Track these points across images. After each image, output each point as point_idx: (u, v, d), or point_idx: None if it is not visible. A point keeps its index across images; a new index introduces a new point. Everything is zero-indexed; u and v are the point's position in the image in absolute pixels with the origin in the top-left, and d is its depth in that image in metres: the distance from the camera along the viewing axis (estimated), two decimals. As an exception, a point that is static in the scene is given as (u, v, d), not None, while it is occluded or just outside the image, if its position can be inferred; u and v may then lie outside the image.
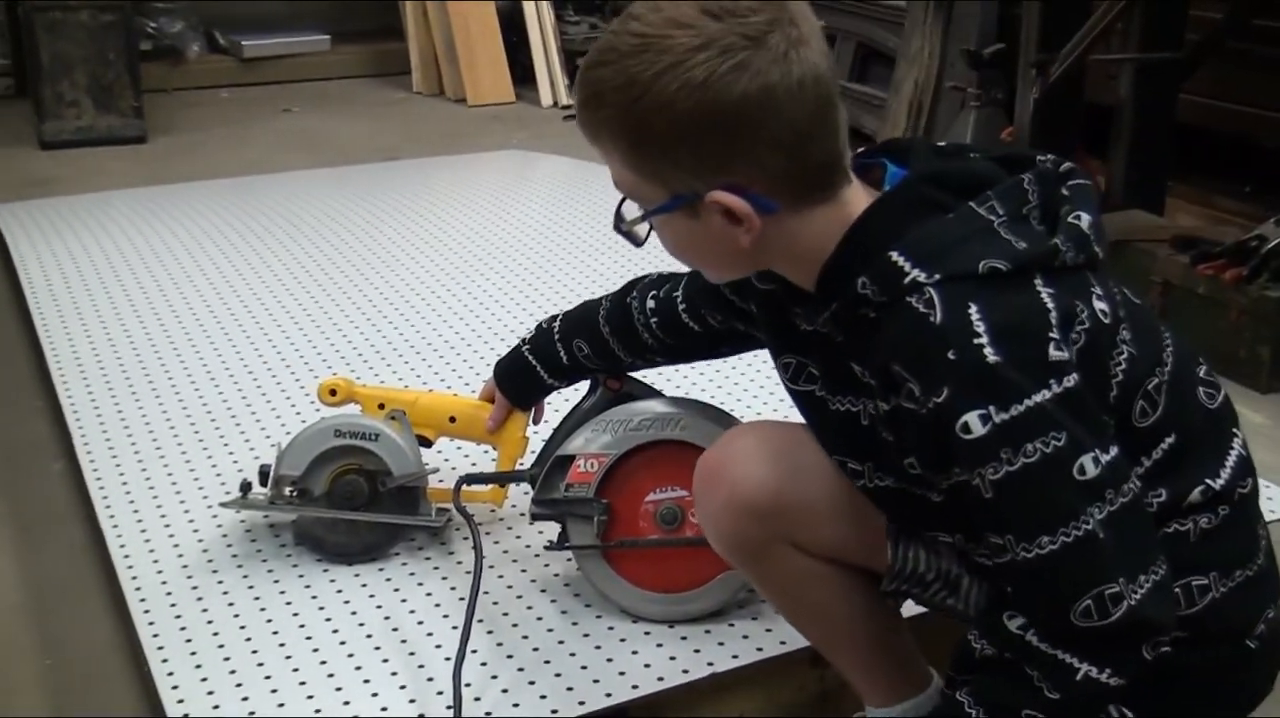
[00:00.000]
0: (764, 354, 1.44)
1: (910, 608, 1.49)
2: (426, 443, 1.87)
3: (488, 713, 1.54)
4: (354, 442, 1.81)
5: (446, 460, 2.02)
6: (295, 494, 1.83)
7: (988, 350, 1.09)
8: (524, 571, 1.82)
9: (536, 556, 1.85)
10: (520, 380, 1.77)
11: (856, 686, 1.50)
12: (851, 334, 1.22)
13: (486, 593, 1.75)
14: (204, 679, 1.60)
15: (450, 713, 1.51)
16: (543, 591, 1.78)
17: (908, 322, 1.12)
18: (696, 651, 1.65)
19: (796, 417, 1.40)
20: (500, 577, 1.81)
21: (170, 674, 1.62)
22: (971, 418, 1.09)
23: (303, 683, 1.59)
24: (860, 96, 4.55)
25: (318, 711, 1.54)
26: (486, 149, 4.65)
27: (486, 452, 1.96)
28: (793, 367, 1.34)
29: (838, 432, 1.32)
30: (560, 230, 3.37)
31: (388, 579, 1.81)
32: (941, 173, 1.20)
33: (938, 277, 1.12)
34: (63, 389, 2.45)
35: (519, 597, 1.77)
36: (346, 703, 1.56)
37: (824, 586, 1.42)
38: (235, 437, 2.24)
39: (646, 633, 1.68)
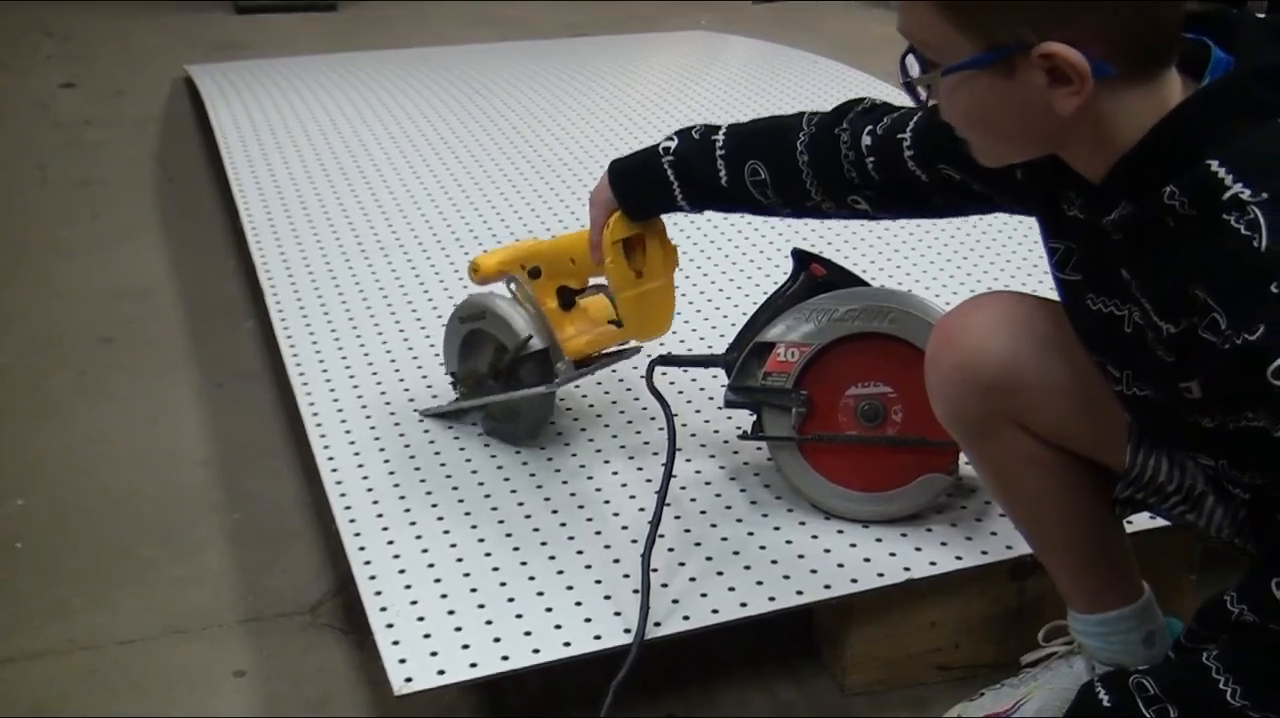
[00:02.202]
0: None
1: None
2: (573, 292, 1.72)
3: (675, 601, 1.50)
4: (474, 325, 1.77)
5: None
6: (465, 389, 1.81)
7: None
8: (714, 458, 1.77)
9: (727, 443, 1.80)
10: (646, 190, 1.54)
11: (1060, 586, 1.42)
12: (1136, 240, 1.08)
13: (676, 478, 1.70)
14: (390, 543, 1.60)
15: (637, 598, 1.47)
16: (733, 479, 1.72)
17: (1224, 243, 0.97)
18: (892, 554, 1.58)
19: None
20: (689, 462, 1.76)
21: (357, 535, 1.61)
22: None
23: (488, 554, 1.57)
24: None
25: (503, 583, 1.52)
26: (673, 29, 4.55)
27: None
28: (1060, 253, 1.21)
29: (1095, 330, 1.20)
30: (745, 113, 3.26)
31: (574, 455, 1.78)
32: (1272, 68, 1.02)
33: (1265, 195, 0.96)
34: (256, 249, 2.46)
35: (708, 484, 1.72)
36: (532, 578, 1.53)
37: (1046, 474, 1.33)
38: (422, 302, 2.22)
39: (840, 532, 1.62)
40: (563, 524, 1.63)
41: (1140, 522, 1.50)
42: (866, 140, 1.41)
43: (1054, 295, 1.27)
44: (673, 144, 1.53)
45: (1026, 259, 2.37)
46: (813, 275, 1.70)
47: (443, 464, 1.76)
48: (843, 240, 2.48)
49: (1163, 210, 1.02)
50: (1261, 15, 1.09)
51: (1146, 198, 1.03)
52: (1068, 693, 1.35)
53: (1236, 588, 1.07)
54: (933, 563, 1.56)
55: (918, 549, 1.58)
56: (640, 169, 1.54)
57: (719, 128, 1.52)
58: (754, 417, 1.67)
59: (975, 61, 1.03)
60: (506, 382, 1.75)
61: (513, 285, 1.72)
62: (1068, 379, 1.27)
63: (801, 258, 1.73)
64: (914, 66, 1.09)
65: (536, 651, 1.42)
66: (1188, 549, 1.63)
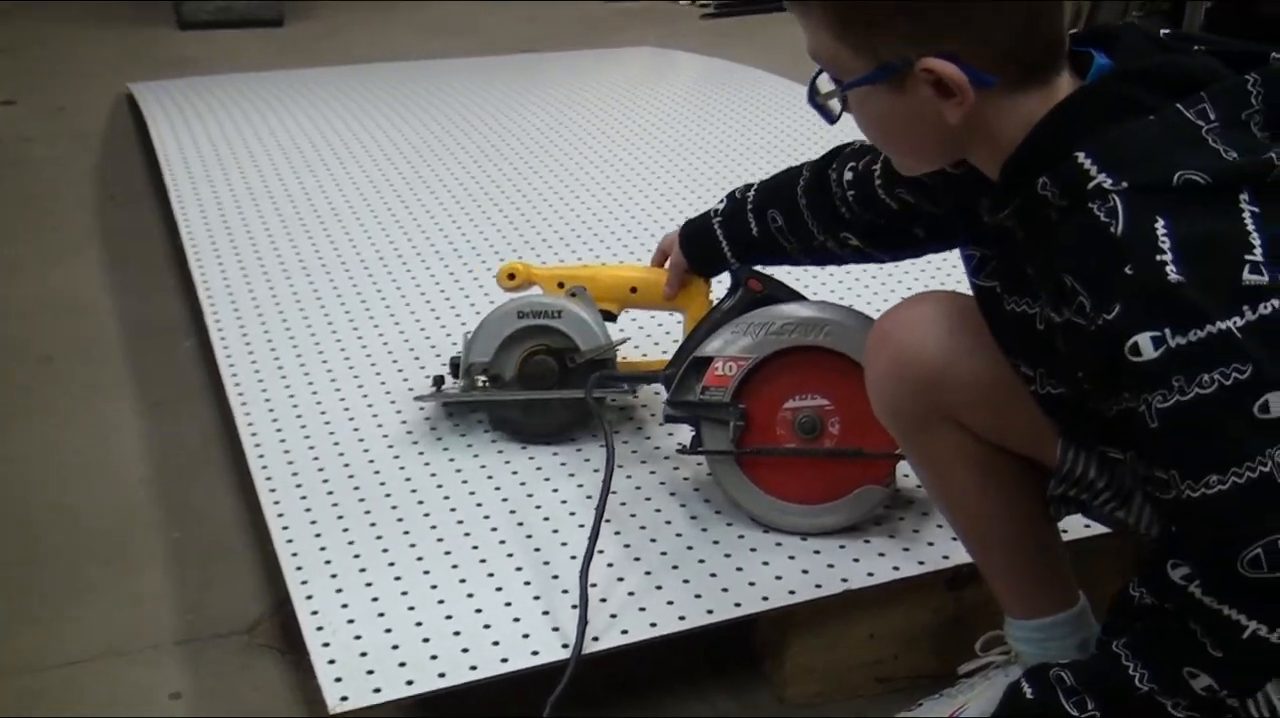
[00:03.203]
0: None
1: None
2: (611, 317, 1.84)
3: (613, 616, 1.49)
4: (538, 322, 1.80)
5: (621, 331, 1.98)
6: (487, 380, 1.81)
7: (1170, 269, 0.98)
8: (653, 472, 1.77)
9: (667, 458, 1.80)
10: (704, 250, 1.71)
11: (997, 590, 1.43)
12: (1031, 234, 1.12)
13: (615, 493, 1.70)
14: (328, 562, 1.59)
15: (576, 613, 1.47)
16: (672, 494, 1.73)
17: (1085, 230, 1.02)
18: (830, 565, 1.59)
19: None
20: (629, 477, 1.76)
21: (294, 555, 1.60)
22: (1143, 339, 0.99)
23: (426, 572, 1.57)
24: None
25: (441, 601, 1.52)
26: (623, 45, 4.56)
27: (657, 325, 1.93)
28: (976, 259, 1.25)
29: (1011, 332, 1.23)
30: (693, 128, 3.28)
31: (514, 473, 1.77)
32: (1149, 69, 1.08)
33: (1125, 184, 1.01)
34: (196, 268, 2.45)
35: (648, 499, 1.72)
36: (470, 596, 1.53)
37: (980, 471, 1.35)
38: (363, 320, 2.22)
39: (778, 544, 1.63)
40: (502, 542, 1.63)
41: (1075, 530, 1.51)
42: (848, 175, 1.52)
43: None
44: (721, 205, 1.68)
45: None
46: (750, 290, 1.71)
47: (381, 483, 1.75)
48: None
49: (1039, 202, 1.07)
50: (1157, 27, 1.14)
51: (1026, 191, 1.08)
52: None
53: (1139, 575, 1.10)
54: (870, 574, 1.57)
55: (855, 561, 1.59)
56: (699, 232, 1.71)
57: (752, 185, 1.65)
58: (693, 431, 1.68)
59: (867, 78, 1.10)
60: (559, 383, 1.81)
61: (576, 296, 1.82)
62: (1001, 376, 1.29)
63: (739, 273, 1.74)
64: (825, 85, 1.15)
65: (474, 667, 1.42)
66: (1120, 558, 1.64)
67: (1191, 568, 1.05)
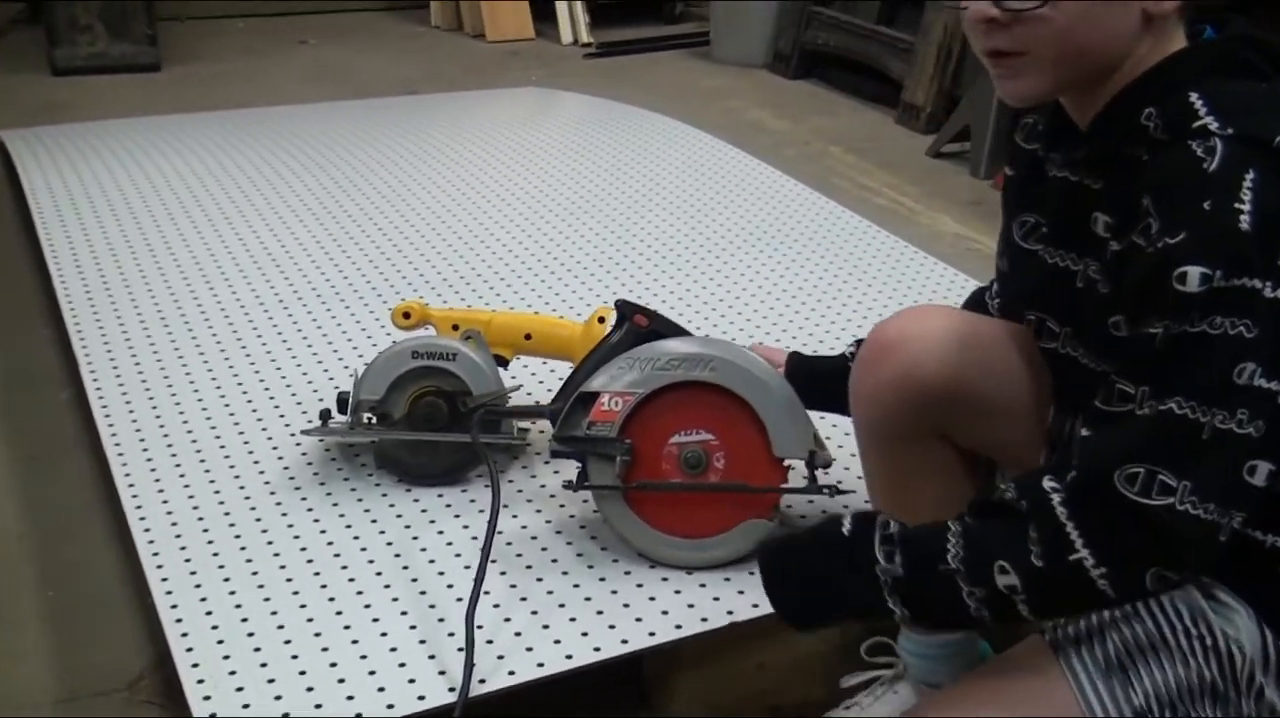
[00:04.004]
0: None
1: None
2: (503, 362, 1.85)
3: (500, 657, 1.49)
4: (432, 363, 1.79)
5: (514, 378, 1.95)
6: (375, 418, 1.80)
7: (1245, 217, 1.03)
8: (539, 512, 1.77)
9: (553, 496, 1.80)
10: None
11: None
12: (1112, 178, 1.15)
13: (501, 533, 1.70)
14: (209, 613, 1.56)
15: (462, 655, 1.46)
16: (558, 532, 1.73)
17: (1179, 161, 1.06)
18: (716, 599, 1.60)
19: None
20: (515, 517, 1.76)
21: (174, 608, 1.57)
22: (1193, 271, 1.02)
23: (310, 620, 1.55)
24: (888, 40, 4.45)
25: (324, 649, 1.50)
26: (505, 85, 4.57)
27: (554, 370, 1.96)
28: (1029, 225, 1.28)
29: (1047, 287, 1.25)
30: (579, 167, 3.30)
31: (399, 516, 1.76)
32: (1268, 41, 1.14)
33: (1231, 131, 1.06)
34: (70, 319, 2.39)
35: (534, 538, 1.71)
36: (355, 642, 1.51)
37: (947, 486, 1.38)
38: (243, 365, 2.18)
39: (665, 579, 1.63)
40: (386, 586, 1.61)
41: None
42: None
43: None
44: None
45: (857, 315, 2.43)
46: (637, 325, 1.73)
47: (264, 530, 1.72)
48: (677, 297, 2.51)
49: (1137, 134, 1.10)
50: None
51: (1127, 124, 1.11)
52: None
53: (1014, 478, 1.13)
54: (755, 606, 1.58)
55: (741, 593, 1.60)
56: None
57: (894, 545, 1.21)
58: (579, 466, 1.68)
59: None
60: (448, 425, 1.79)
61: (471, 340, 1.82)
62: (999, 392, 1.32)
63: (625, 308, 1.75)
64: None
65: (359, 715, 1.40)
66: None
67: (1063, 482, 1.07)
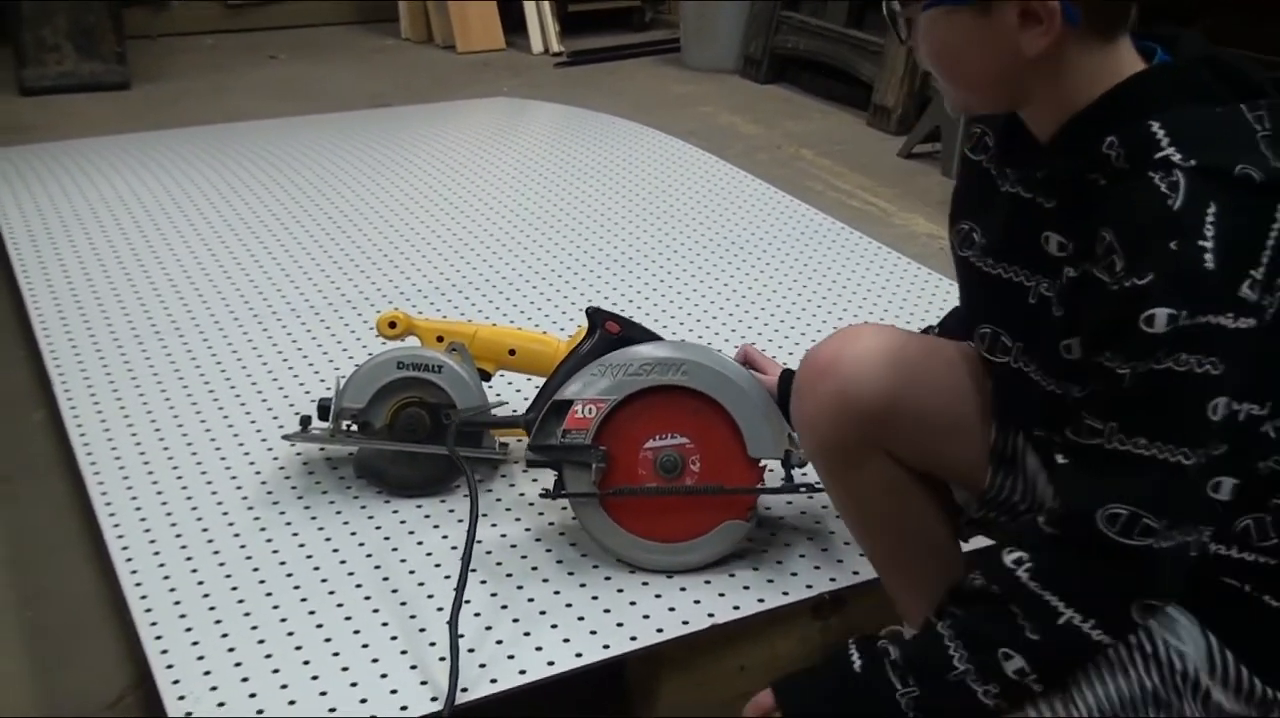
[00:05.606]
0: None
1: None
2: (485, 376, 1.85)
3: (482, 665, 1.49)
4: (417, 374, 1.79)
5: (498, 395, 1.97)
6: (356, 427, 1.80)
7: (1209, 255, 1.03)
8: (518, 520, 1.77)
9: (531, 504, 1.80)
10: None
11: (903, 605, 1.47)
12: (1066, 199, 1.15)
13: (480, 542, 1.70)
14: (189, 630, 1.55)
15: (444, 665, 1.46)
16: (538, 540, 1.73)
17: (1143, 196, 1.06)
18: (696, 601, 1.60)
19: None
20: (494, 526, 1.76)
21: (154, 625, 1.56)
22: (1160, 313, 1.03)
23: (290, 634, 1.54)
24: (858, 43, 4.47)
25: (306, 662, 1.49)
26: (476, 96, 4.57)
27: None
28: (964, 232, 1.29)
29: (999, 301, 1.25)
30: (553, 176, 3.30)
31: (378, 528, 1.76)
32: (1224, 63, 1.13)
33: (1193, 162, 1.06)
34: (44, 338, 2.38)
35: (513, 547, 1.72)
36: (336, 654, 1.51)
37: (905, 498, 1.38)
38: (218, 381, 2.18)
39: (644, 584, 1.64)
40: (367, 598, 1.61)
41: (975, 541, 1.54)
42: None
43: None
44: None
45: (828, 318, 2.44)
46: (608, 332, 1.73)
47: (242, 545, 1.72)
48: (653, 304, 2.52)
49: (1097, 162, 1.10)
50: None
51: (1087, 150, 1.11)
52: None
53: (978, 564, 1.15)
54: (736, 607, 1.59)
55: (721, 595, 1.61)
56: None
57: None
58: (556, 475, 1.68)
59: None
60: (430, 437, 1.79)
61: (456, 352, 1.82)
62: (940, 409, 1.32)
63: (596, 316, 1.76)
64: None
65: (342, 727, 1.40)
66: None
67: (1026, 551, 1.10)
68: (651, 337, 1.73)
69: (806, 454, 1.45)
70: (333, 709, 1.42)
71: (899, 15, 1.18)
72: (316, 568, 1.67)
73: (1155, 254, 1.04)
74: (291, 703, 1.43)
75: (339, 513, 1.79)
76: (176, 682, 1.46)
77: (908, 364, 1.33)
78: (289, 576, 1.66)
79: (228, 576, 1.66)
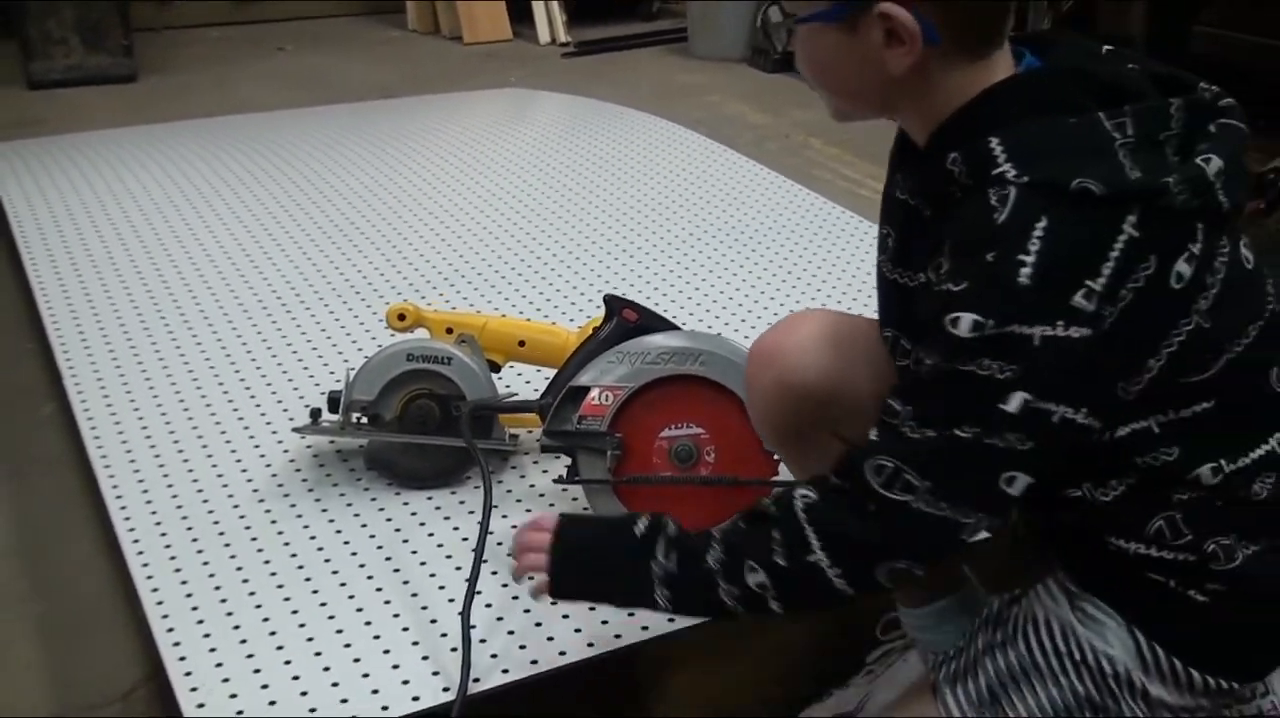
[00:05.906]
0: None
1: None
2: (495, 368, 1.85)
3: (494, 656, 1.48)
4: (426, 366, 1.78)
5: (508, 386, 1.98)
6: (366, 419, 1.79)
7: (1026, 271, 1.03)
8: (529, 510, 1.77)
9: (541, 495, 1.80)
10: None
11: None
12: (937, 209, 1.16)
13: (492, 533, 1.69)
14: (200, 622, 1.55)
15: (455, 655, 1.45)
16: (550, 531, 1.72)
17: (974, 210, 1.07)
18: (710, 591, 1.59)
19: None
20: (505, 517, 1.75)
21: (165, 617, 1.56)
22: (967, 319, 1.04)
23: (302, 626, 1.54)
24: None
25: (318, 653, 1.49)
26: (484, 87, 4.56)
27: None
28: (882, 238, 1.30)
29: (897, 306, 1.27)
30: (561, 166, 3.29)
31: (389, 520, 1.75)
32: (1083, 71, 1.13)
33: (1026, 179, 1.06)
34: (54, 331, 2.38)
35: (525, 537, 1.71)
36: (348, 646, 1.50)
37: None
38: (228, 373, 2.18)
39: (658, 573, 1.63)
40: (378, 589, 1.61)
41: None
42: None
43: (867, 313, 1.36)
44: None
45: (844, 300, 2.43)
46: (625, 320, 1.73)
47: (253, 538, 1.72)
48: (662, 293, 2.51)
49: (946, 177, 1.11)
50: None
51: (938, 164, 1.12)
52: (908, 686, 1.42)
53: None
54: (749, 597, 1.57)
55: (734, 585, 1.60)
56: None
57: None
58: (569, 461, 1.68)
59: (822, 15, 1.13)
60: (440, 428, 1.79)
61: (465, 344, 1.82)
62: (881, 390, 1.31)
63: (614, 303, 1.75)
64: (776, 16, 1.19)
65: (354, 717, 1.40)
66: (997, 534, 1.68)
67: (814, 490, 1.15)
68: (669, 326, 1.73)
69: (765, 443, 1.48)
70: (344, 700, 1.42)
71: (783, 24, 1.20)
72: (328, 560, 1.67)
73: (975, 265, 1.06)
74: (304, 694, 1.42)
75: (349, 505, 1.79)
76: (189, 674, 1.46)
77: (848, 347, 1.36)
78: (300, 568, 1.65)
79: (239, 568, 1.65)
